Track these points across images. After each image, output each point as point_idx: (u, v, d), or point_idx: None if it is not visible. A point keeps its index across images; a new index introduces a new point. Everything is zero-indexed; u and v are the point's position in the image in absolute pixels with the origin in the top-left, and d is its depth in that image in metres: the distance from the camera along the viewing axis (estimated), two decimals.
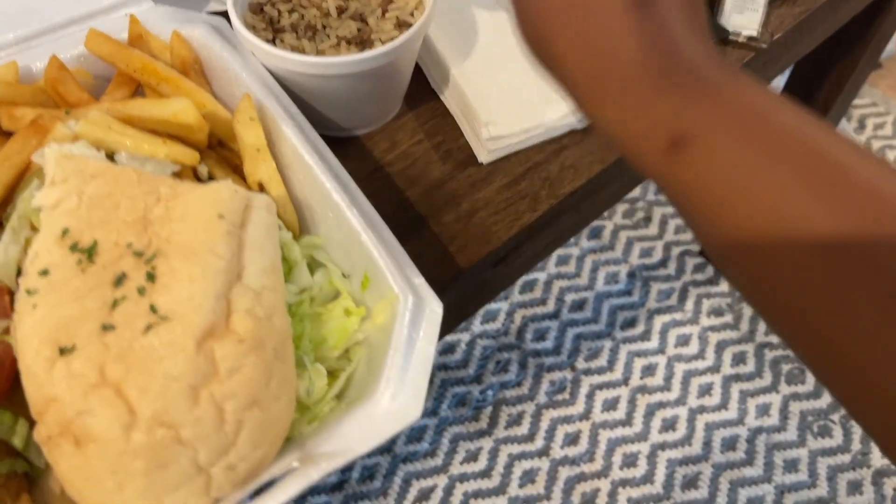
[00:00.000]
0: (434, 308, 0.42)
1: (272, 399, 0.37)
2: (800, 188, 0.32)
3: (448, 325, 0.58)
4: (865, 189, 0.31)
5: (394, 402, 0.39)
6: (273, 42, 0.53)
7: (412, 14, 0.54)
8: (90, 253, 0.38)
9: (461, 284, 0.53)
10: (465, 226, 0.54)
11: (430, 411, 1.24)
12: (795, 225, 0.31)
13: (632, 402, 1.27)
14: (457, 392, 1.26)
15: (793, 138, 0.33)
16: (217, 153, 0.51)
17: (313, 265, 0.46)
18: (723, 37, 0.63)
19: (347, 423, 0.38)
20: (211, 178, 0.48)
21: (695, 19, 0.36)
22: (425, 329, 0.41)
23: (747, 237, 0.33)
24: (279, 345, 0.38)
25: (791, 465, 1.21)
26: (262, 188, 0.47)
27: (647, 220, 1.45)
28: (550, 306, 1.36)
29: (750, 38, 0.64)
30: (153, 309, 0.36)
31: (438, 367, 1.28)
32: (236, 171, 0.49)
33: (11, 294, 0.40)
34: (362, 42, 0.53)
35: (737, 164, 0.32)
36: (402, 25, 0.54)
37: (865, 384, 0.31)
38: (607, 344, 1.32)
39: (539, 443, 1.22)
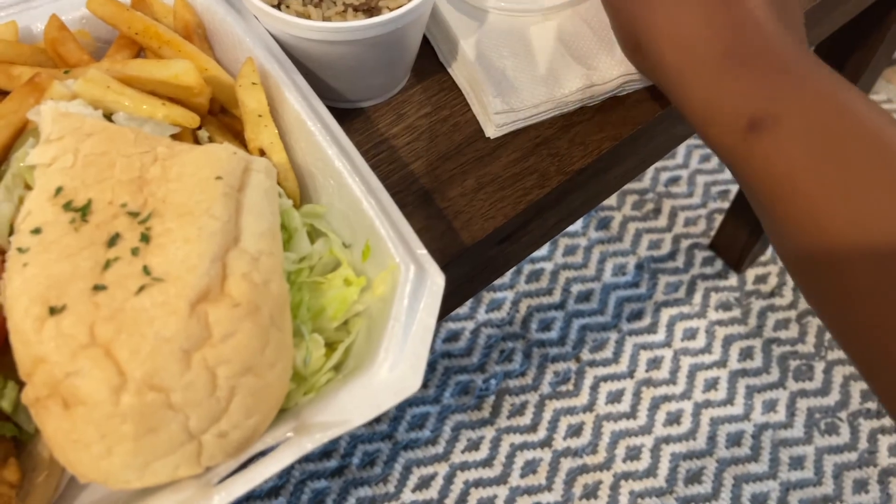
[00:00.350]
0: (436, 280, 0.40)
1: (267, 366, 0.36)
2: (869, 185, 0.32)
3: (451, 304, 0.57)
4: None
5: (392, 372, 0.37)
6: (278, 7, 0.51)
7: None
8: (84, 212, 0.37)
9: (465, 261, 0.52)
10: (470, 201, 0.53)
11: (432, 399, 1.23)
12: (865, 225, 0.31)
13: (636, 395, 1.25)
14: (460, 380, 1.25)
15: (868, 134, 0.33)
16: (218, 119, 0.50)
17: (314, 234, 0.45)
18: None
19: (344, 393, 0.37)
20: (211, 142, 0.47)
21: (785, 7, 0.39)
22: (426, 301, 0.40)
23: (807, 218, 0.33)
24: (276, 311, 0.37)
25: (797, 463, 1.20)
26: (263, 154, 0.46)
27: (657, 211, 1.44)
28: (556, 296, 1.34)
29: None
30: (146, 270, 0.35)
31: (442, 355, 1.27)
32: (237, 137, 0.48)
33: (3, 253, 0.39)
34: (370, 10, 0.51)
35: (812, 153, 0.33)
36: None
37: None
38: (613, 336, 1.31)
39: (542, 433, 1.21)
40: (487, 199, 0.53)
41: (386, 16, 0.48)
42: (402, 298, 0.39)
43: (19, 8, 0.51)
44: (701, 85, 0.37)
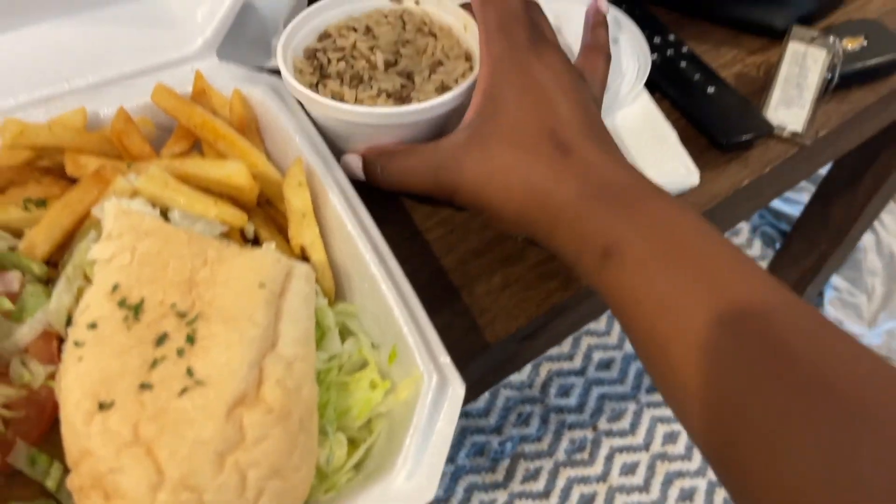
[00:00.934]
0: (457, 390, 0.43)
1: (293, 470, 0.38)
2: (689, 292, 0.39)
3: (470, 396, 0.59)
4: (741, 293, 0.38)
5: (409, 481, 0.40)
6: (316, 86, 0.55)
7: (457, 80, 0.55)
8: (136, 310, 0.40)
9: (487, 357, 0.54)
10: (496, 299, 0.56)
11: (447, 458, 1.24)
12: (682, 324, 0.38)
13: (651, 469, 1.25)
14: (476, 441, 1.26)
15: (688, 248, 0.40)
16: (265, 211, 0.53)
17: (345, 332, 0.48)
18: (767, 131, 0.63)
19: (363, 498, 0.39)
20: (256, 237, 0.50)
21: (609, 146, 0.46)
22: (446, 410, 0.42)
23: (651, 332, 0.39)
24: (305, 416, 0.39)
25: None
26: (304, 251, 0.49)
27: None
28: (577, 363, 1.35)
29: (794, 135, 0.64)
30: (189, 372, 0.38)
31: (460, 414, 1.28)
32: (281, 231, 0.51)
33: (60, 340, 0.42)
34: (402, 98, 0.54)
35: (645, 275, 0.40)
36: (444, 89, 0.55)
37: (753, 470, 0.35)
38: (631, 407, 1.31)
39: (554, 501, 1.22)
40: (512, 297, 0.56)
41: (408, 107, 0.51)
42: (423, 407, 0.42)
43: (90, 94, 0.55)
44: (565, 230, 0.44)
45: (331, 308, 0.47)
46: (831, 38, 0.66)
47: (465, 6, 0.57)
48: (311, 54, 0.57)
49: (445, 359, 0.44)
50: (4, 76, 0.55)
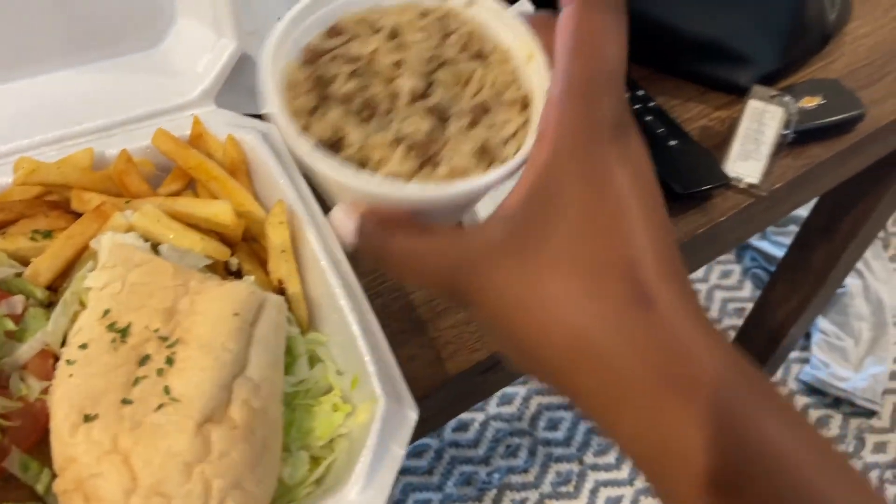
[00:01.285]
0: (410, 415, 0.47)
1: (255, 482, 0.42)
2: None
3: (436, 423, 0.64)
4: None
5: (360, 496, 0.44)
6: (314, 112, 0.37)
7: (506, 143, 0.37)
8: (123, 333, 0.45)
9: (448, 389, 0.58)
10: (459, 333, 0.60)
11: (435, 486, 1.28)
12: None
13: (635, 503, 1.28)
14: (464, 471, 1.30)
15: (804, 486, 0.31)
16: (249, 246, 0.58)
17: (314, 359, 0.52)
18: (723, 182, 0.68)
19: None
20: (239, 269, 0.55)
21: (693, 297, 0.34)
22: (399, 433, 0.46)
23: None
24: (269, 434, 0.44)
25: None
26: (281, 283, 0.54)
27: None
28: None
29: (751, 186, 0.69)
30: (167, 390, 0.43)
31: (449, 444, 1.32)
32: (263, 265, 0.56)
33: (56, 359, 0.47)
34: (425, 156, 0.37)
35: None
36: (484, 154, 0.37)
37: None
38: None
39: None
40: (475, 332, 0.60)
41: (432, 190, 0.35)
42: (378, 430, 0.46)
43: (98, 135, 0.61)
44: (634, 418, 0.32)
45: (302, 336, 0.52)
46: (787, 97, 0.71)
47: (538, 21, 0.38)
48: (312, 57, 0.39)
49: (402, 386, 0.48)
50: (22, 118, 0.61)
